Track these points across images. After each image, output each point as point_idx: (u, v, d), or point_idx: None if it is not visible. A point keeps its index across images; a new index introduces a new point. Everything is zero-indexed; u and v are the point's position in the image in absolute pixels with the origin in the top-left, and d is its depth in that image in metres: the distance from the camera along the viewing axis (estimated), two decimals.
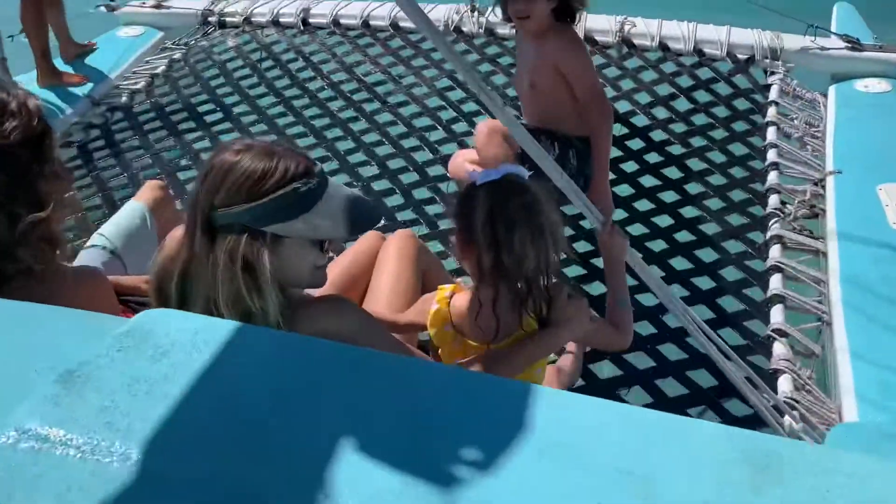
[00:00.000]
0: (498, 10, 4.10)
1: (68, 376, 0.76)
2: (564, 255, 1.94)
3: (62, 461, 0.66)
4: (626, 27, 3.96)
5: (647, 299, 2.43)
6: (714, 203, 3.04)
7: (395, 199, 3.15)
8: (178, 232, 1.48)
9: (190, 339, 0.82)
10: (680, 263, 2.79)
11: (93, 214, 3.08)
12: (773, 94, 3.57)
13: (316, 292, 1.58)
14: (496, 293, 1.67)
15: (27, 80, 3.98)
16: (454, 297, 1.79)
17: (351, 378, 0.80)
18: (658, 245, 2.87)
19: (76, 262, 1.98)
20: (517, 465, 0.69)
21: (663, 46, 3.87)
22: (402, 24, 4.15)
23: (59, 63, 4.08)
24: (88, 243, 2.14)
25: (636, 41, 3.91)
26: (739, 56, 3.79)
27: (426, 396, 0.76)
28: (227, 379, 0.78)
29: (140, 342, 0.81)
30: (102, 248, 2.07)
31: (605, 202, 2.76)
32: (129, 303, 1.88)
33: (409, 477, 0.67)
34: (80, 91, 3.96)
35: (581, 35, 3.34)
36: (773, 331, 2.42)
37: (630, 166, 3.18)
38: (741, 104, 3.56)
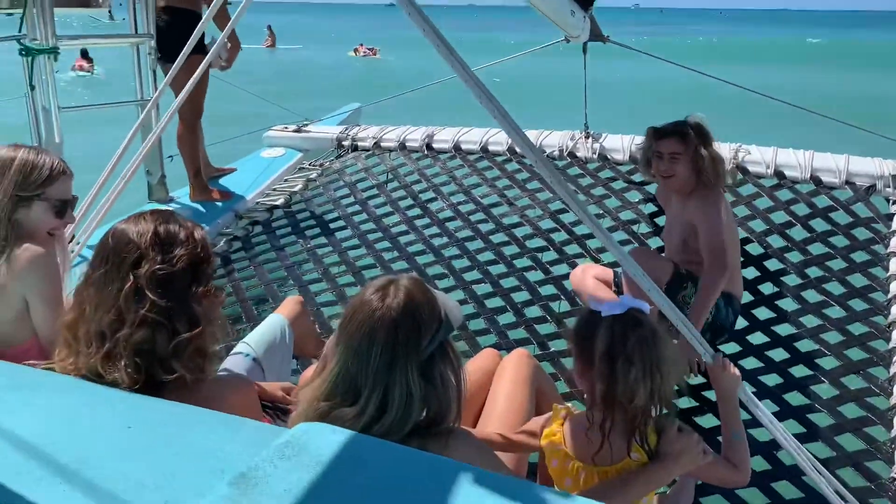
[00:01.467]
0: (611, 138, 4.33)
1: (241, 479, 0.90)
2: (677, 388, 1.98)
3: None
4: (741, 154, 4.02)
5: (761, 434, 2.39)
6: (832, 337, 2.97)
7: (508, 318, 3.27)
8: (318, 366, 1.60)
9: (341, 453, 0.96)
10: (795, 399, 2.73)
11: (232, 322, 3.35)
12: None
13: None
14: (606, 419, 1.74)
15: (181, 194, 4.49)
16: (567, 418, 1.87)
17: (474, 498, 0.90)
18: (772, 379, 2.83)
19: (223, 365, 2.20)
20: None
21: (778, 174, 3.89)
22: (518, 149, 4.40)
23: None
24: (235, 350, 2.38)
25: (751, 168, 3.96)
26: (859, 184, 3.75)
27: None
28: (370, 492, 0.91)
29: (299, 452, 0.96)
30: (246, 355, 2.30)
31: (693, 354, 2.82)
32: (267, 409, 2.07)
33: None
34: (226, 205, 4.40)
35: None
36: None
37: (744, 297, 3.16)
38: (861, 233, 3.50)
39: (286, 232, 4.11)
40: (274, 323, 2.48)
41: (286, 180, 4.69)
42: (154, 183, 4.44)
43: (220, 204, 4.42)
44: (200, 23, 2.55)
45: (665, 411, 1.78)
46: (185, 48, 2.79)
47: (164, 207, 1.79)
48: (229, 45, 4.24)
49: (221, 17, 4.26)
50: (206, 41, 4.30)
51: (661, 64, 4.35)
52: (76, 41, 4.23)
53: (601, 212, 3.88)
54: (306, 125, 5.12)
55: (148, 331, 1.56)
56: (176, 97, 4.29)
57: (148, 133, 4.35)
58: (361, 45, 30.97)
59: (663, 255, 3.22)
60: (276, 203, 4.41)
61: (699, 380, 2.81)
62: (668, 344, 1.76)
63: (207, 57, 3.10)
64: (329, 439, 1.01)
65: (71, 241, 2.46)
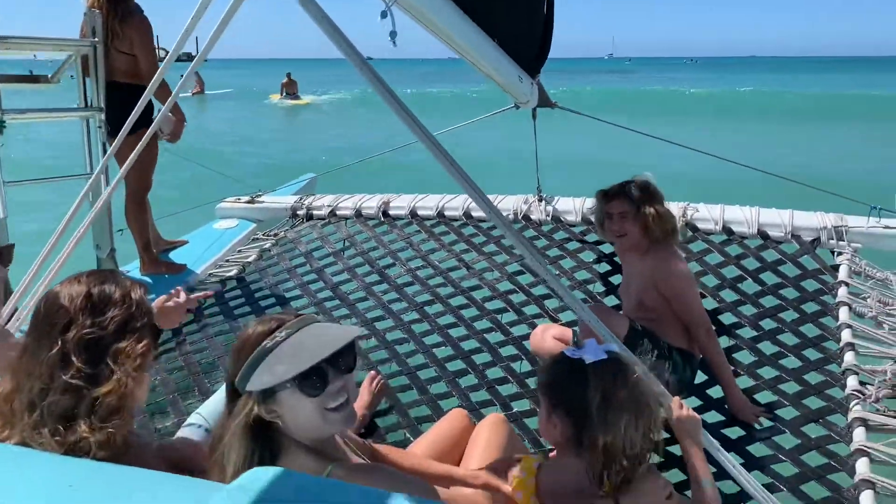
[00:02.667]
0: (563, 200, 4.41)
1: None
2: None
3: None
4: (689, 212, 4.13)
5: (727, 487, 2.37)
6: (790, 387, 3.00)
7: (470, 379, 3.23)
8: None
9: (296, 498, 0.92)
10: (759, 450, 2.73)
11: (183, 396, 3.24)
12: (842, 274, 3.60)
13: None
14: (583, 466, 1.72)
15: (132, 268, 4.39)
16: (541, 467, 1.83)
17: None
18: (735, 432, 2.83)
19: (175, 437, 2.11)
20: None
21: (727, 230, 4.00)
22: (474, 213, 4.44)
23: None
24: (187, 422, 2.29)
25: (700, 225, 4.06)
26: (804, 237, 3.87)
27: None
28: None
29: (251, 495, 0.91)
30: (199, 426, 2.21)
31: (750, 408, 2.89)
32: None
33: None
34: (177, 278, 4.31)
35: None
36: None
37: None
38: (810, 285, 3.59)
39: (240, 303, 4.03)
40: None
41: (239, 251, 4.63)
42: (103, 257, 4.33)
43: (170, 277, 4.34)
44: (143, 96, 2.56)
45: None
46: (127, 121, 2.77)
47: (105, 269, 1.72)
48: (173, 118, 4.24)
49: (162, 90, 4.29)
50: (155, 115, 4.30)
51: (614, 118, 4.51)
52: (24, 115, 4.18)
53: (557, 272, 3.91)
54: (259, 196, 5.10)
55: (71, 398, 1.50)
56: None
57: (95, 203, 4.31)
58: (288, 75, 30.14)
59: (620, 312, 3.24)
60: (230, 274, 4.35)
61: (663, 434, 2.79)
62: (650, 389, 1.76)
63: (150, 128, 3.09)
64: (286, 482, 0.96)
65: (12, 318, 2.37)
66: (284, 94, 29.84)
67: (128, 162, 2.81)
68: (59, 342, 1.53)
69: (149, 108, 3.93)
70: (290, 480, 1.03)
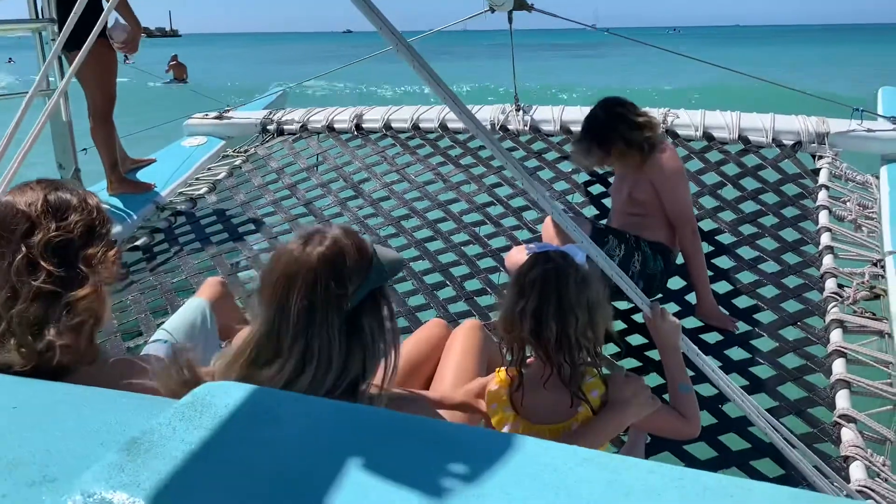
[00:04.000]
0: (541, 109, 4.29)
1: (132, 444, 0.79)
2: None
3: None
4: (670, 118, 4.04)
5: (705, 389, 2.37)
6: (768, 291, 2.99)
7: (448, 292, 3.19)
8: (244, 332, 1.49)
9: (249, 409, 0.85)
10: (737, 353, 2.73)
11: (156, 315, 3.18)
12: (822, 178, 3.56)
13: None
14: (545, 371, 1.69)
15: (98, 189, 4.25)
16: (512, 378, 1.80)
17: (398, 443, 0.81)
18: (713, 337, 2.82)
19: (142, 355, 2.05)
20: None
21: (707, 136, 3.92)
22: (450, 125, 4.31)
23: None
24: (152, 338, 2.22)
25: (680, 131, 3.98)
26: (785, 142, 3.81)
27: (478, 463, 0.76)
28: (281, 445, 0.80)
29: (201, 412, 0.84)
30: (164, 341, 2.14)
31: (718, 316, 2.87)
32: None
33: None
34: (146, 198, 4.19)
35: None
36: (839, 417, 2.33)
37: (680, 258, 3.13)
38: (790, 189, 3.55)
39: (211, 221, 3.93)
40: (193, 306, 2.32)
41: (209, 169, 4.49)
42: (67, 177, 4.19)
43: (139, 196, 4.21)
44: (106, 9, 2.38)
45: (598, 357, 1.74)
46: (91, 35, 2.59)
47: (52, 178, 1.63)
48: (127, 26, 4.02)
49: (122, 5, 4.05)
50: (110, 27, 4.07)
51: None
52: None
53: (535, 183, 3.83)
54: (228, 111, 4.92)
55: (42, 304, 1.42)
56: (83, 87, 4.10)
57: (57, 125, 4.13)
58: (174, 58, 24.42)
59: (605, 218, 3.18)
60: (200, 192, 4.22)
61: (640, 339, 2.79)
62: (601, 288, 1.71)
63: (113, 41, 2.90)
64: (236, 396, 0.89)
65: None
66: (171, 79, 23.87)
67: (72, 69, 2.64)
68: (24, 248, 1.46)
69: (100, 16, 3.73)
70: (240, 393, 0.96)
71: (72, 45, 3.87)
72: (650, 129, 2.89)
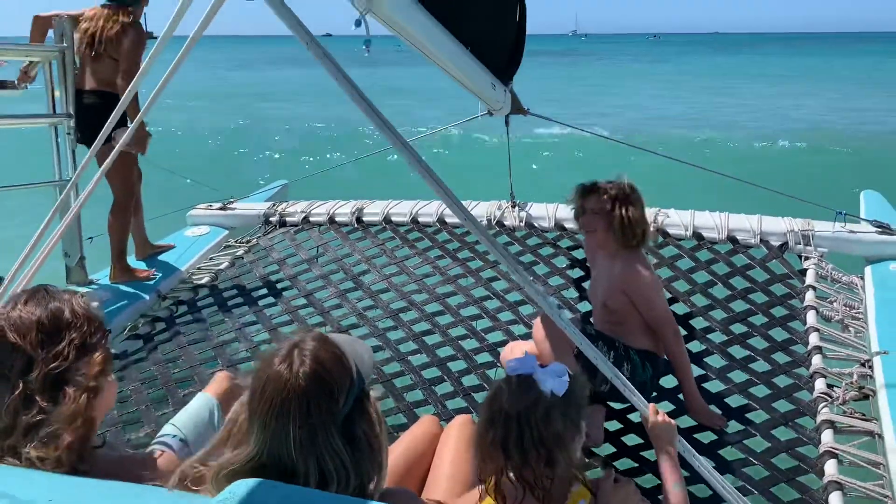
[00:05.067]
0: (536, 206, 4.43)
1: None
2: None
3: None
4: (660, 217, 4.17)
5: (700, 490, 2.41)
6: (760, 390, 3.05)
7: (446, 387, 3.24)
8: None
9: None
10: (731, 454, 2.77)
11: (157, 406, 3.20)
12: (809, 278, 3.67)
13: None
14: (518, 492, 1.73)
15: (101, 276, 4.33)
16: (505, 489, 1.83)
17: None
18: (707, 437, 2.87)
19: (149, 450, 2.08)
20: None
21: (697, 235, 4.05)
22: (448, 219, 4.45)
23: (130, 260, 4.44)
24: (161, 432, 2.25)
25: (670, 230, 4.11)
26: (773, 243, 3.93)
27: None
28: None
29: None
30: (173, 436, 2.17)
31: (707, 413, 2.94)
32: None
33: None
34: (148, 286, 4.26)
35: None
36: None
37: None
38: (778, 290, 3.65)
39: (213, 311, 4.00)
40: (202, 402, 2.35)
41: (212, 258, 4.59)
42: (72, 265, 4.28)
43: (141, 284, 4.29)
44: (118, 106, 2.54)
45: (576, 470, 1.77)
46: (103, 130, 2.73)
47: (34, 287, 1.65)
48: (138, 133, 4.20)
49: (132, 107, 4.24)
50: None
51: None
52: None
53: (532, 278, 3.93)
54: (231, 202, 5.06)
55: (32, 432, 1.46)
56: (106, 180, 4.23)
57: (65, 215, 4.24)
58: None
59: (590, 316, 3.27)
60: (202, 282, 4.30)
61: (636, 440, 2.83)
62: (572, 408, 1.75)
63: (119, 143, 3.01)
64: (271, 493, 0.96)
65: None
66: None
67: (101, 170, 2.77)
68: (21, 384, 1.48)
69: (123, 116, 3.89)
70: (274, 491, 1.02)
71: (90, 138, 4.05)
72: (639, 227, 2.99)
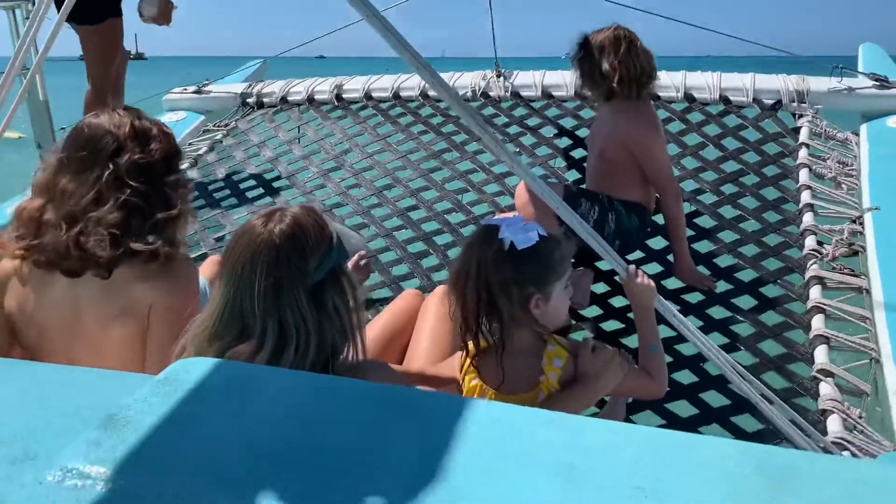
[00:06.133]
0: (522, 75, 4.27)
1: (109, 421, 0.81)
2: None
3: (103, 498, 0.71)
4: None
5: (687, 348, 2.42)
6: (749, 249, 3.02)
7: (431, 260, 3.21)
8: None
9: (224, 383, 0.87)
10: (718, 312, 2.77)
11: None
12: (802, 136, 3.57)
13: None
14: (497, 344, 1.74)
15: None
16: (483, 350, 1.82)
17: (373, 414, 0.84)
18: (695, 297, 2.86)
19: None
20: (533, 488, 0.71)
21: (689, 97, 3.92)
22: (430, 93, 4.29)
23: None
24: None
25: (661, 93, 3.96)
26: (766, 101, 3.81)
27: (444, 427, 0.79)
28: (253, 417, 0.82)
29: (176, 388, 0.87)
30: None
31: (696, 275, 2.90)
32: None
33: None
34: None
35: None
36: (818, 371, 2.37)
37: (661, 218, 3.12)
38: (771, 148, 3.56)
39: (195, 196, 3.90)
40: None
41: (190, 144, 4.45)
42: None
43: None
44: None
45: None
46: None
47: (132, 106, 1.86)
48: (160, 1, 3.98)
49: None
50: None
51: None
52: None
53: (517, 150, 3.83)
54: (207, 84, 4.87)
55: (124, 212, 1.63)
56: (88, 62, 4.05)
57: (35, 104, 4.08)
58: None
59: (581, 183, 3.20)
60: (182, 168, 4.19)
61: (622, 301, 2.81)
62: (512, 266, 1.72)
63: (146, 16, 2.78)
64: (211, 371, 0.92)
65: None
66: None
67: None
68: (111, 165, 1.66)
69: None
70: (214, 368, 0.98)
71: (79, 19, 3.82)
72: (629, 75, 2.85)
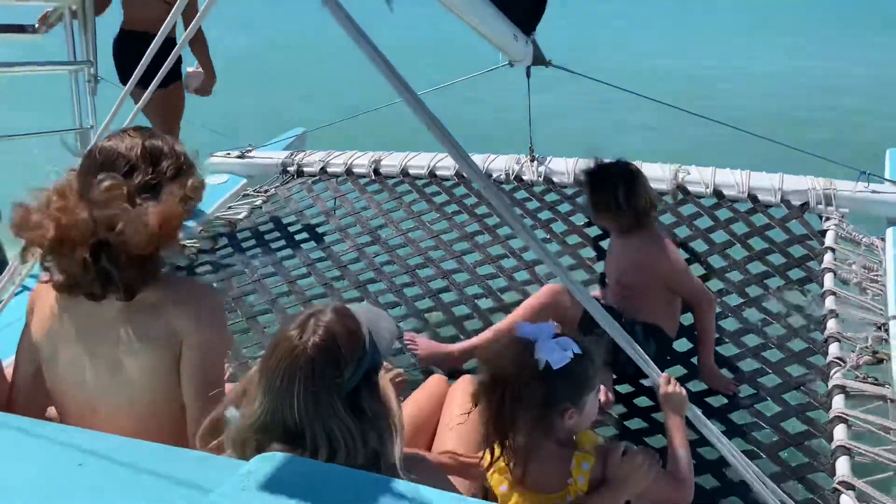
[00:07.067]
0: (556, 161, 4.39)
1: None
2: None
3: None
4: (681, 175, 4.12)
5: (709, 452, 2.46)
6: (773, 355, 3.07)
7: None
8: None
9: (304, 482, 0.97)
10: (740, 417, 2.82)
11: None
12: (828, 239, 3.64)
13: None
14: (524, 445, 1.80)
15: None
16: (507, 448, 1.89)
17: None
18: (718, 400, 2.91)
19: None
20: None
21: (717, 193, 4.00)
22: (464, 173, 4.42)
23: None
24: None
25: (690, 188, 4.06)
26: (794, 202, 3.89)
27: None
28: None
29: (261, 483, 0.96)
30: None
31: (719, 378, 2.98)
32: None
33: None
34: None
35: None
36: (839, 483, 2.40)
37: (687, 318, 3.18)
38: (797, 251, 3.62)
39: (232, 261, 4.04)
40: None
41: (230, 207, 4.61)
42: None
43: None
44: (177, 47, 2.48)
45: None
46: (137, 69, 2.67)
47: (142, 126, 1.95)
48: (202, 72, 4.24)
49: (198, 43, 4.20)
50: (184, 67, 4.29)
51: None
52: (7, 69, 4.11)
53: (548, 236, 3.93)
54: (250, 150, 5.06)
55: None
56: (150, 122, 4.25)
57: None
58: None
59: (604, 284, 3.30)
60: (221, 230, 4.34)
61: (647, 402, 2.87)
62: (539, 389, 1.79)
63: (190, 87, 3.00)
64: (290, 469, 1.02)
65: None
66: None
67: (132, 114, 2.74)
68: (125, 187, 1.68)
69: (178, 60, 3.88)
70: (297, 466, 1.08)
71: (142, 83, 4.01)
72: (628, 206, 2.98)
